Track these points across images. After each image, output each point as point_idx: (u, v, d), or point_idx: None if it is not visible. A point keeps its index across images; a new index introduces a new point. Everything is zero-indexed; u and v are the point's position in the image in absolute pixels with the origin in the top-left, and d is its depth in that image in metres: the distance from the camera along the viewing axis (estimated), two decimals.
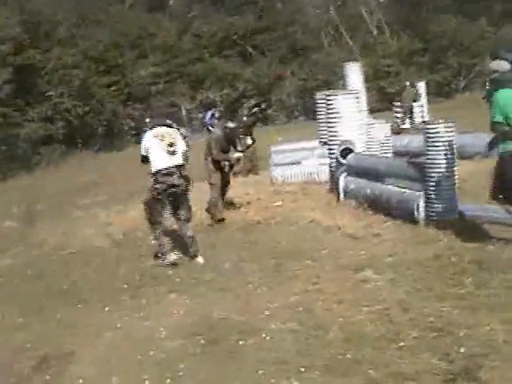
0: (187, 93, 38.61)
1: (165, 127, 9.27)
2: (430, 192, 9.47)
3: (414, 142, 15.43)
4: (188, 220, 9.23)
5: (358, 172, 11.48)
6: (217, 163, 11.36)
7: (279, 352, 5.68)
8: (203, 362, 5.68)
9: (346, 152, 12.22)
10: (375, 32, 44.12)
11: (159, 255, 9.23)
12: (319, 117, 15.52)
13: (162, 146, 8.93)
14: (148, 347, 6.19)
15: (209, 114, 21.17)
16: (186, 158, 9.14)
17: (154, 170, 8.93)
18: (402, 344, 5.55)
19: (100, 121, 30.84)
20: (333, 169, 13.24)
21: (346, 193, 11.77)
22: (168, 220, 9.40)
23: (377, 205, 10.46)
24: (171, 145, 8.96)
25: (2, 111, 25.61)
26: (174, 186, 8.92)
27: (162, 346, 6.15)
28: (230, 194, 13.67)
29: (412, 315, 6.09)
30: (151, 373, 5.61)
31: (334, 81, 37.59)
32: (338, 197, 11.80)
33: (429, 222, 9.39)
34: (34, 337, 7.03)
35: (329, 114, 13.51)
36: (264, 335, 6.08)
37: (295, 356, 5.57)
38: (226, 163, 11.45)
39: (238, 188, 14.22)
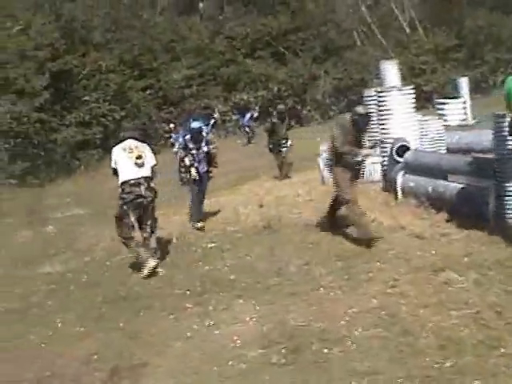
0: (221, 95, 38.28)
1: (134, 140, 9.28)
2: (500, 188, 8.97)
3: (466, 138, 14.98)
4: (153, 232, 9.25)
5: (417, 169, 11.00)
6: (346, 167, 9.29)
7: (369, 361, 5.29)
8: (288, 373, 5.31)
9: (402, 149, 11.75)
10: (408, 30, 43.47)
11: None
12: None
13: (130, 159, 8.94)
14: (224, 357, 5.83)
15: (247, 115, 20.89)
16: (153, 171, 9.20)
17: (121, 180, 8.98)
18: (503, 351, 5.11)
19: (136, 125, 30.59)
20: (386, 167, 12.82)
21: (403, 191, 11.30)
22: (136, 231, 9.31)
23: (440, 203, 9.97)
24: (139, 157, 8.98)
25: (39, 117, 25.42)
26: (140, 196, 8.96)
27: (239, 356, 5.77)
28: (281, 193, 13.36)
29: (509, 319, 5.63)
30: None
31: (369, 79, 37.12)
32: (396, 196, 11.34)
33: (499, 219, 8.89)
34: (98, 347, 6.72)
35: (380, 110, 13.07)
36: (349, 343, 5.68)
37: (388, 365, 5.18)
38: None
39: (285, 189, 13.89)
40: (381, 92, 13.25)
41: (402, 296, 6.62)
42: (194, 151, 11.65)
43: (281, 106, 18.61)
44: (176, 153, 16.53)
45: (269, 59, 39.12)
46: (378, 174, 13.29)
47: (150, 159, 9.23)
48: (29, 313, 8.48)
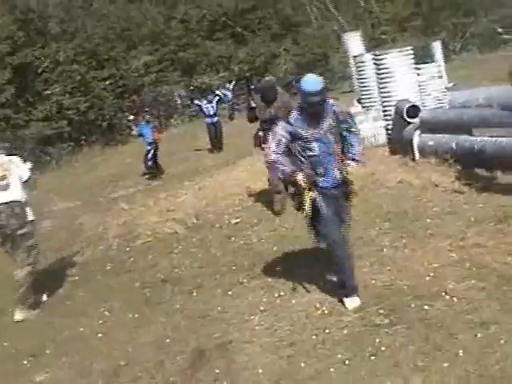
0: (181, 80, 37.64)
1: None
2: None
3: (460, 97, 14.77)
4: (26, 265, 7.67)
5: (435, 128, 10.75)
6: None
7: (481, 312, 5.02)
8: (399, 333, 5.00)
9: (412, 110, 11.51)
10: (362, 2, 43.40)
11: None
12: (361, 80, 14.81)
13: None
14: (317, 326, 5.50)
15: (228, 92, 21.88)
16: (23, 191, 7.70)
17: None
18: None
19: (102, 116, 29.85)
20: (392, 130, 12.59)
21: (420, 151, 11.06)
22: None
23: (467, 158, 9.72)
24: (2, 178, 7.49)
25: (4, 113, 24.49)
26: (2, 226, 7.44)
27: (335, 323, 5.45)
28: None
29: None
30: (344, 351, 4.88)
31: (331, 53, 37.01)
32: (413, 156, 11.08)
33: None
34: (165, 331, 6.29)
35: (380, 74, 12.81)
36: (448, 297, 5.37)
37: (503, 315, 4.89)
38: None
39: None
40: (379, 55, 12.96)
41: (479, 247, 6.36)
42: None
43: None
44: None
45: (228, 40, 38.55)
46: (382, 138, 13.02)
47: (17, 177, 7.64)
48: (63, 306, 8.00)
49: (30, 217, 7.78)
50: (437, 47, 24.78)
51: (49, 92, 27.11)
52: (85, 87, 28.62)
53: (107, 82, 32.19)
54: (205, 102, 20.44)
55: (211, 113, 20.11)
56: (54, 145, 26.38)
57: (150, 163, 18.08)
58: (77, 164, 25.92)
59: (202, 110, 20.64)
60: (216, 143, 20.09)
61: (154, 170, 18.01)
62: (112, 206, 14.23)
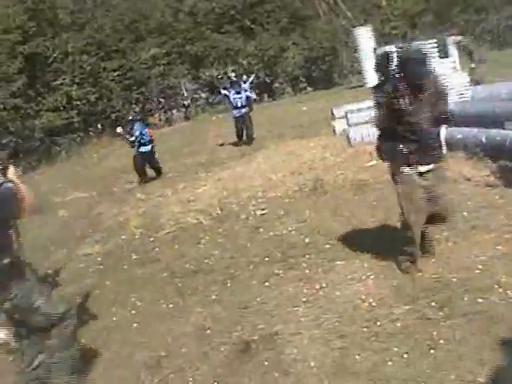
0: (189, 72, 37.48)
1: None
2: None
3: (481, 92, 14.62)
4: None
5: (464, 121, 10.58)
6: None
7: None
8: (456, 327, 4.83)
9: None
10: None
11: None
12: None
13: None
14: (367, 318, 5.36)
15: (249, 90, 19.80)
16: None
17: None
18: None
19: (111, 107, 29.70)
20: None
21: (448, 145, 10.87)
22: None
23: (497, 152, 9.56)
24: None
25: (15, 103, 24.35)
26: None
27: (386, 315, 5.29)
28: (304, 159, 12.88)
29: None
30: (400, 345, 4.73)
31: (340, 48, 36.86)
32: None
33: None
34: (203, 321, 6.15)
35: None
36: (501, 290, 5.22)
37: None
38: None
39: (306, 155, 13.41)
40: (401, 48, 12.75)
41: None
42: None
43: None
44: None
45: (236, 33, 38.37)
46: None
47: None
48: (92, 295, 7.85)
49: None
50: (452, 42, 24.67)
51: (58, 82, 26.87)
52: (94, 78, 28.48)
53: (115, 74, 32.07)
54: (233, 92, 18.77)
55: (239, 104, 18.62)
56: (64, 135, 26.17)
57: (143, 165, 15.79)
58: (86, 155, 25.74)
59: (229, 101, 19.06)
60: (242, 136, 18.84)
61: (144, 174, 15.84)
62: (128, 196, 14.12)
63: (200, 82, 37.16)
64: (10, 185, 4.59)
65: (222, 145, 19.67)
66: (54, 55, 26.52)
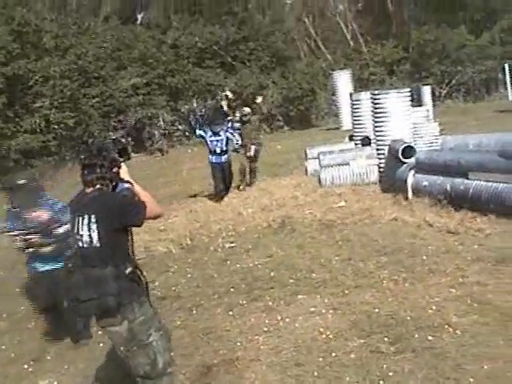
0: (167, 104, 37.82)
1: None
2: None
3: (451, 142, 15.12)
4: None
5: (430, 169, 11.03)
6: None
7: (487, 346, 5.17)
8: (407, 361, 5.15)
9: (407, 150, 11.80)
10: (352, 43, 44.16)
11: None
12: (356, 118, 15.17)
13: None
14: (324, 349, 5.64)
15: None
16: None
17: None
18: None
19: (89, 132, 29.92)
20: (385, 168, 12.88)
21: (414, 191, 11.32)
22: None
23: (460, 201, 9.99)
24: None
25: None
26: None
27: (341, 347, 5.58)
28: (276, 196, 13.21)
29: None
30: (352, 375, 5.02)
31: (318, 90, 37.47)
32: (406, 195, 11.33)
33: None
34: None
35: (377, 113, 13.11)
36: (451, 330, 5.55)
37: (508, 350, 5.04)
38: None
39: (278, 192, 13.73)
40: (377, 94, 13.27)
41: (480, 285, 6.56)
42: None
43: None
44: None
45: (217, 69, 38.84)
46: (374, 175, 13.29)
47: None
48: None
49: None
50: (426, 91, 25.44)
51: (38, 105, 27.08)
52: (73, 103, 28.68)
53: (95, 100, 32.28)
54: (210, 133, 14.38)
55: (218, 150, 14.31)
56: (39, 158, 26.30)
57: None
58: (59, 178, 25.81)
59: (206, 143, 14.63)
60: (223, 187, 14.54)
61: None
62: None
63: (178, 115, 37.43)
64: (127, 186, 4.36)
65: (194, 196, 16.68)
66: (36, 78, 26.72)
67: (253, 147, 15.15)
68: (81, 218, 4.13)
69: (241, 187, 15.35)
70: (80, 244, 4.14)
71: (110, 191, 4.26)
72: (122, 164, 4.37)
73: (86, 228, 4.09)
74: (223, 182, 14.49)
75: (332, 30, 45.97)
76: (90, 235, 4.08)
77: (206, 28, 40.04)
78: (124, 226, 4.17)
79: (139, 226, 4.28)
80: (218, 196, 14.39)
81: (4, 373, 6.43)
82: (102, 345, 6.61)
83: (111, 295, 4.02)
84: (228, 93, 19.29)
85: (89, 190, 4.22)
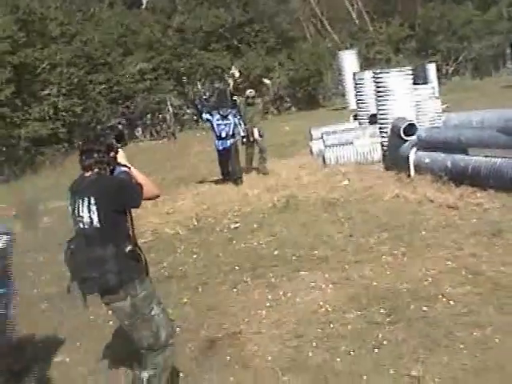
0: (175, 89, 37.97)
1: None
2: None
3: (455, 119, 15.23)
4: None
5: (432, 146, 11.20)
6: None
7: (478, 314, 5.41)
8: (400, 329, 5.38)
9: (409, 128, 11.96)
10: (357, 21, 44.08)
11: None
12: (360, 97, 15.32)
13: None
14: (323, 321, 5.88)
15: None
16: None
17: None
18: None
19: (97, 119, 30.17)
20: (388, 146, 13.03)
21: (416, 168, 11.50)
22: None
23: (461, 177, 10.16)
24: None
25: (1, 111, 24.77)
26: None
27: (339, 319, 5.82)
28: (282, 177, 13.42)
29: None
30: (348, 344, 5.25)
31: (325, 70, 37.53)
32: (408, 172, 11.51)
33: None
34: (173, 321, 6.60)
35: (379, 92, 13.26)
36: (445, 300, 5.77)
37: (500, 316, 5.28)
38: None
39: (284, 173, 13.93)
40: (379, 73, 13.41)
41: (475, 257, 6.78)
42: None
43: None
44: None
45: (223, 52, 38.94)
46: (378, 154, 13.46)
47: None
48: (71, 296, 8.26)
49: None
50: (431, 69, 25.48)
51: (45, 93, 27.30)
52: (81, 90, 28.89)
53: (102, 87, 32.45)
54: (217, 117, 13.77)
55: (223, 134, 13.68)
56: (49, 145, 26.57)
57: None
58: (70, 165, 26.09)
59: (212, 127, 14.02)
60: (228, 174, 14.18)
61: None
62: None
63: (185, 98, 37.60)
64: (125, 169, 4.50)
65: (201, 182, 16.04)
66: (43, 66, 26.93)
67: (255, 129, 14.62)
68: (81, 201, 4.30)
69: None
70: (81, 225, 4.32)
71: (108, 175, 4.43)
72: (119, 149, 4.54)
73: (86, 210, 4.26)
74: (228, 167, 14.04)
75: (337, 8, 45.82)
76: (90, 216, 4.25)
77: (211, 11, 40.05)
78: (122, 207, 4.34)
79: (137, 206, 4.42)
80: (227, 180, 14.09)
81: None
82: (111, 323, 6.84)
83: (112, 273, 4.19)
84: (235, 71, 18.22)
85: (87, 173, 4.38)
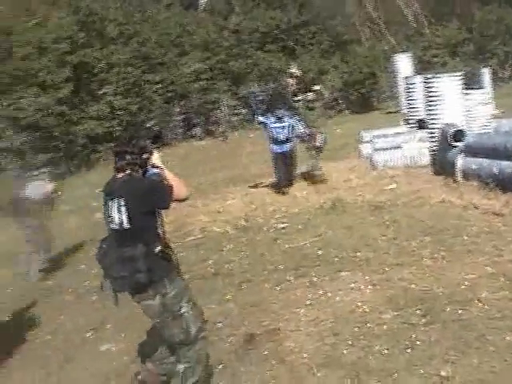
0: (229, 90, 38.32)
1: None
2: None
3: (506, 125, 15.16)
4: None
5: (479, 152, 11.22)
6: None
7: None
8: (434, 331, 5.51)
9: (458, 134, 11.98)
10: (414, 24, 43.78)
11: None
12: (410, 101, 15.37)
13: None
14: (359, 321, 6.06)
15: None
16: None
17: None
18: None
19: (152, 118, 30.75)
20: (437, 151, 13.06)
21: (463, 174, 11.53)
22: None
23: (508, 183, 10.17)
24: None
25: (61, 110, 25.49)
26: None
27: (375, 319, 5.99)
28: (332, 178, 13.57)
29: None
30: (383, 343, 5.42)
31: (379, 73, 37.41)
32: (454, 178, 11.54)
33: None
34: (216, 316, 6.90)
35: (429, 96, 13.29)
36: (480, 304, 5.89)
37: None
38: None
39: (335, 175, 14.06)
40: (430, 78, 13.44)
41: None
42: None
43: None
44: None
45: (278, 53, 39.16)
46: (426, 158, 13.50)
47: None
48: None
49: None
50: (485, 74, 25.19)
51: (102, 92, 27.95)
52: (137, 89, 29.48)
53: (158, 86, 33.00)
54: (272, 119, 13.02)
55: (280, 137, 12.91)
56: (104, 143, 27.18)
57: None
58: None
59: (266, 129, 13.23)
60: (285, 179, 13.23)
61: None
62: None
63: (239, 99, 37.92)
64: (157, 171, 4.61)
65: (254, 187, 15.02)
66: (100, 65, 27.60)
67: (319, 136, 13.48)
68: (111, 202, 4.52)
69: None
70: (112, 226, 4.54)
71: (139, 176, 4.58)
72: (154, 151, 4.69)
73: (116, 210, 4.47)
74: (286, 172, 13.16)
75: (394, 12, 45.62)
76: (120, 217, 4.46)
77: (268, 12, 40.34)
78: (151, 208, 4.52)
79: (166, 208, 4.59)
80: (279, 188, 13.21)
81: (69, 340, 7.06)
82: None
83: (141, 272, 4.38)
84: (295, 70, 17.28)
85: (119, 175, 4.57)
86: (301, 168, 14.06)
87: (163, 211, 4.68)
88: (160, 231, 4.60)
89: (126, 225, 4.43)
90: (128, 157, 4.52)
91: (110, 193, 4.58)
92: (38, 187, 8.74)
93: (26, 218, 9.47)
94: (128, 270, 4.39)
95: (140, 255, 4.37)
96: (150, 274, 4.40)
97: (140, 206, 4.44)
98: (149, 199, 4.45)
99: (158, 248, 4.46)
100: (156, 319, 4.64)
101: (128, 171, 4.52)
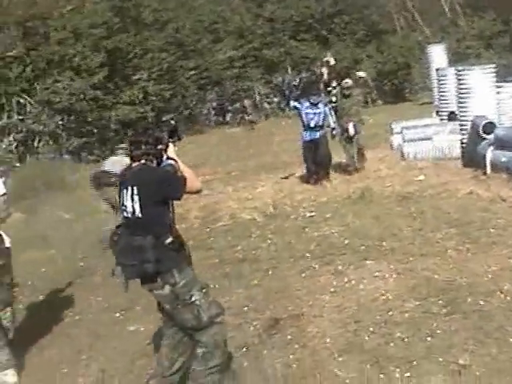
0: (263, 77, 38.41)
1: None
2: None
3: None
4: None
5: (509, 145, 11.24)
6: None
7: None
8: (454, 320, 5.61)
9: (488, 127, 11.99)
10: (449, 15, 43.40)
11: None
12: (442, 93, 15.36)
13: None
14: (382, 308, 6.17)
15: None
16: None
17: None
18: None
19: (185, 104, 31.02)
20: (467, 144, 13.07)
21: (493, 166, 11.55)
22: None
23: None
24: None
25: (95, 94, 25.85)
26: None
27: (397, 307, 6.10)
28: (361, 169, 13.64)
29: None
30: (404, 331, 5.54)
31: (413, 63, 37.23)
32: (484, 170, 11.58)
33: None
34: (244, 301, 7.05)
35: (461, 89, 13.28)
36: (502, 296, 5.98)
37: None
38: None
39: (365, 164, 14.13)
40: (461, 70, 13.44)
41: None
42: None
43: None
44: None
45: (312, 42, 39.16)
46: (456, 150, 13.52)
47: None
48: None
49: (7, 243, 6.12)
50: None
51: (136, 77, 28.25)
52: (170, 76, 29.74)
53: (192, 73, 33.23)
54: (306, 104, 12.87)
55: (312, 124, 12.69)
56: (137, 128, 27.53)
57: None
58: None
59: (300, 116, 13.01)
60: (315, 170, 13.14)
61: None
62: None
63: (271, 87, 38.02)
64: (171, 162, 4.59)
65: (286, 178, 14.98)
66: (135, 51, 27.91)
67: (351, 124, 13.28)
68: (125, 190, 4.54)
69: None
70: (125, 214, 4.58)
71: (153, 166, 4.60)
72: (170, 144, 4.66)
73: (129, 199, 4.50)
74: (314, 162, 12.96)
75: (429, 2, 45.25)
76: (132, 206, 4.48)
77: (302, 1, 40.31)
78: (164, 198, 4.52)
79: (178, 199, 4.59)
80: (308, 177, 13.20)
81: (98, 320, 7.28)
82: None
83: (150, 262, 4.39)
84: (330, 58, 17.28)
85: (134, 164, 4.61)
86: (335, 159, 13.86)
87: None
88: (171, 221, 4.61)
89: (138, 213, 4.48)
90: (143, 146, 4.54)
91: (124, 181, 4.63)
92: (116, 162, 9.27)
93: (105, 190, 9.90)
94: (137, 258, 4.43)
95: (149, 245, 4.39)
96: (158, 265, 4.42)
97: (153, 196, 4.47)
98: (162, 189, 4.47)
99: (169, 240, 4.46)
100: (167, 306, 4.67)
101: (143, 161, 4.56)
